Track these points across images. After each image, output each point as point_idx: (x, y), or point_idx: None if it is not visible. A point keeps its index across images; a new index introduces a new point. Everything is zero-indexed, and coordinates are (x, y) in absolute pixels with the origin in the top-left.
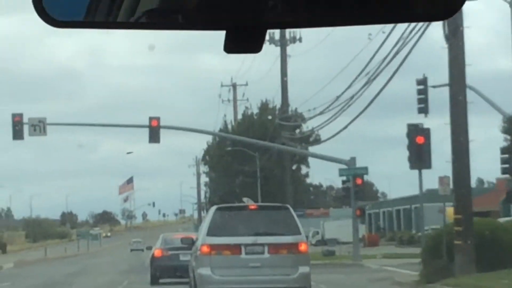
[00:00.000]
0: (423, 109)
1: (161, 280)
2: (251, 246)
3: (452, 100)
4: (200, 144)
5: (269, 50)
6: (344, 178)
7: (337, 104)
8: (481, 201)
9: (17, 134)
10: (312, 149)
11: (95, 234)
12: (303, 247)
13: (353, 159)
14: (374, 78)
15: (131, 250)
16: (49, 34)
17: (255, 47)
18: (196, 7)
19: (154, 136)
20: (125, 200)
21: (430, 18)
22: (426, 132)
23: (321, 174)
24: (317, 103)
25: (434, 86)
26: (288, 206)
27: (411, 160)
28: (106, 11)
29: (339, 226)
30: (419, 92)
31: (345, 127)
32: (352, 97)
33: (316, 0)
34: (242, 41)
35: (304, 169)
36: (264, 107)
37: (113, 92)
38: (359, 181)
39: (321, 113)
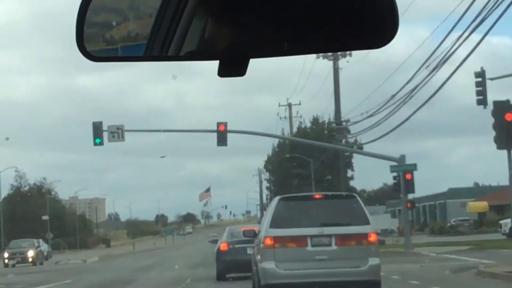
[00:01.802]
0: (482, 101)
1: (228, 275)
2: (317, 237)
3: None
4: (262, 157)
5: (315, 72)
6: (395, 174)
7: (386, 107)
8: (497, 196)
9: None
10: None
11: (181, 231)
12: (372, 238)
13: (402, 157)
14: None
15: (209, 242)
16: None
17: (241, 72)
18: (196, 43)
19: (222, 140)
20: (205, 204)
21: (369, 46)
22: None
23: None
24: (368, 105)
25: (492, 79)
26: (355, 194)
27: (499, 139)
28: (127, 48)
29: (376, 220)
30: (478, 84)
31: (399, 125)
32: (412, 90)
33: (284, 35)
34: (232, 68)
35: (349, 173)
36: (315, 121)
37: (193, 124)
38: (408, 176)
39: (371, 115)
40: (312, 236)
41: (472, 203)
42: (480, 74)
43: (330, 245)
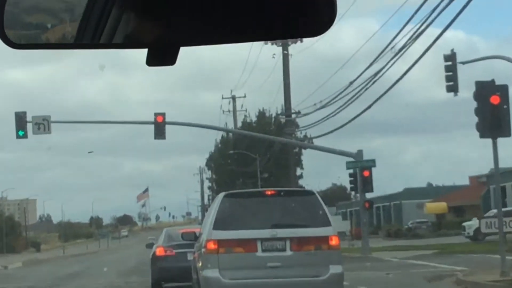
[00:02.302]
0: (452, 87)
1: (165, 285)
2: (269, 241)
3: None
4: (204, 155)
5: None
6: (351, 171)
7: (343, 95)
8: (456, 196)
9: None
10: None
11: (116, 234)
12: (334, 242)
13: (360, 152)
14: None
15: (146, 246)
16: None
17: (171, 61)
18: (124, 30)
19: (159, 132)
20: (142, 205)
21: (306, 34)
22: (502, 90)
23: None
24: (317, 99)
25: (463, 62)
26: (314, 191)
27: (482, 126)
28: (54, 35)
29: None
30: (447, 69)
31: (354, 118)
32: (374, 75)
33: (214, 23)
34: (161, 56)
35: (298, 171)
36: (262, 114)
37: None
38: (366, 173)
39: (324, 106)
40: (263, 240)
41: (430, 204)
42: (450, 57)
43: (284, 250)
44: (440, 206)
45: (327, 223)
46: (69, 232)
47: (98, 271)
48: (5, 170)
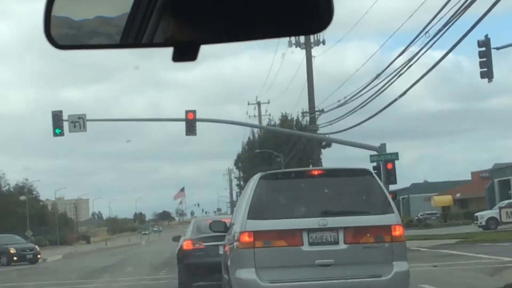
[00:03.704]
0: (487, 73)
1: (195, 284)
2: (318, 231)
3: None
4: (232, 158)
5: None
6: (375, 164)
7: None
8: (461, 190)
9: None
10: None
11: (155, 229)
12: (398, 232)
13: (383, 146)
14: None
15: (173, 239)
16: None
17: (193, 57)
18: (152, 31)
19: (190, 129)
20: (179, 203)
21: (309, 31)
22: None
23: None
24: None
25: (497, 48)
26: (370, 170)
27: None
28: (94, 36)
29: None
30: (481, 54)
31: (372, 117)
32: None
33: (229, 23)
34: (184, 54)
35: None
36: (284, 118)
37: (167, 135)
38: (389, 166)
39: (342, 104)
40: (310, 230)
41: (437, 197)
42: (485, 43)
43: (336, 242)
44: (446, 199)
45: (389, 209)
46: (116, 226)
47: (131, 265)
48: (61, 173)
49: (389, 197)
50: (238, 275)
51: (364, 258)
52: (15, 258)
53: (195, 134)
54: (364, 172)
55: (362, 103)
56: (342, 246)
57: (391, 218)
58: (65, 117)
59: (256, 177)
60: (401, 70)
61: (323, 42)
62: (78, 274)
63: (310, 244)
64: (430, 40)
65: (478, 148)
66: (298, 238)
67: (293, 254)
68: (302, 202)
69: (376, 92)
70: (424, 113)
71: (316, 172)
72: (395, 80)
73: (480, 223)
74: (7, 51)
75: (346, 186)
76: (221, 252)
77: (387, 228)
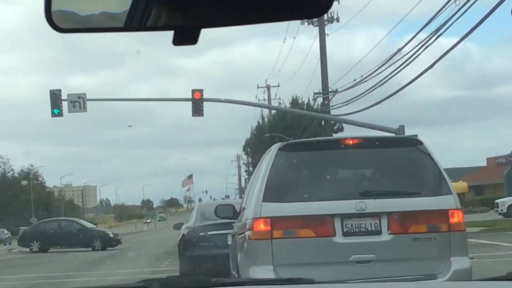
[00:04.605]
0: None
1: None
2: (354, 218)
3: None
4: (240, 144)
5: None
6: None
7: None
8: (476, 176)
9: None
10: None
11: (161, 216)
12: (457, 219)
13: (402, 127)
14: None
15: (174, 227)
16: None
17: (194, 41)
18: (155, 15)
19: (197, 109)
20: (187, 190)
21: (310, 15)
22: None
23: None
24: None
25: None
26: (421, 139)
27: None
28: (95, 19)
29: None
30: None
31: (389, 97)
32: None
33: (229, 6)
34: (185, 37)
35: None
36: (295, 101)
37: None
38: None
39: (359, 83)
40: (344, 216)
41: (453, 184)
42: None
43: (379, 232)
44: (462, 185)
45: (445, 190)
46: (124, 213)
47: (132, 255)
48: (68, 160)
49: (445, 174)
50: (251, 274)
51: (414, 253)
52: (113, 243)
53: (202, 114)
54: (413, 141)
55: (380, 81)
56: (385, 237)
57: (449, 201)
58: (64, 97)
59: (274, 148)
60: (426, 42)
61: (337, 20)
62: (74, 265)
63: (345, 234)
64: (460, 9)
65: (489, 135)
66: (328, 226)
67: (322, 247)
68: (333, 180)
69: (395, 70)
70: (435, 100)
71: (351, 141)
72: (418, 55)
73: (501, 210)
74: (13, 37)
75: (391, 159)
76: (229, 242)
77: (444, 214)
